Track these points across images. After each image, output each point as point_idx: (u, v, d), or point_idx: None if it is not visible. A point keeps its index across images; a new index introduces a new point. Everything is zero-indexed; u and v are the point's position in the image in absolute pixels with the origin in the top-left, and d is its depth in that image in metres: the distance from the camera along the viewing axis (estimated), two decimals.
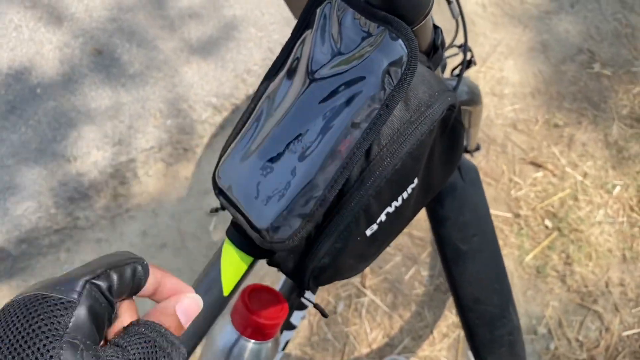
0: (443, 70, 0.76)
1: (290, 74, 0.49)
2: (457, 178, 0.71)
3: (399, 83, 0.44)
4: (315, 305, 0.54)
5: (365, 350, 1.34)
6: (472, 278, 0.73)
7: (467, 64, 0.76)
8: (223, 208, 0.54)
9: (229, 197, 0.50)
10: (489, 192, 1.48)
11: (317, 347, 1.34)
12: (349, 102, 0.45)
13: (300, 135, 0.47)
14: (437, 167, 0.55)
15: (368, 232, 0.51)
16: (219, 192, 0.51)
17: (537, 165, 1.52)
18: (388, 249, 1.42)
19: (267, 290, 0.69)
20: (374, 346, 1.35)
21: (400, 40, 0.44)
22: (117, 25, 1.45)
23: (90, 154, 1.35)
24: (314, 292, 0.73)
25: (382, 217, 0.51)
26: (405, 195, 0.51)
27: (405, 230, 1.46)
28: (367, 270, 1.40)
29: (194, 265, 1.35)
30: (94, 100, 1.38)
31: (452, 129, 0.53)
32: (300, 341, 1.34)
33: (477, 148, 1.08)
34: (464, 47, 0.67)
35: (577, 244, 1.45)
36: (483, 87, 1.58)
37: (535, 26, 1.66)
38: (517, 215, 1.47)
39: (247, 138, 0.50)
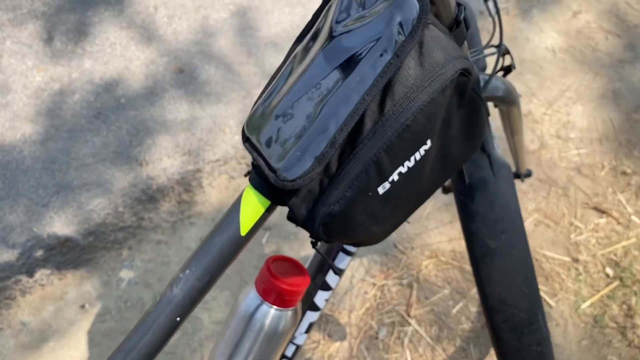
0: (483, 70, 0.79)
1: (316, 35, 0.54)
2: (488, 173, 0.71)
3: (410, 34, 0.48)
4: (326, 258, 0.57)
5: None
6: (499, 277, 0.72)
7: (507, 68, 0.79)
8: (254, 167, 0.58)
9: (254, 143, 0.54)
10: (548, 235, 1.44)
11: None
12: (364, 53, 0.49)
13: (318, 84, 0.51)
14: (456, 139, 0.57)
15: (380, 190, 0.53)
16: (246, 140, 0.55)
17: (601, 211, 1.46)
18: (437, 281, 1.40)
19: (291, 261, 0.72)
20: None
21: None
22: (199, 49, 1.58)
23: (162, 160, 1.45)
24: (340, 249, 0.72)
25: (395, 177, 0.53)
26: (417, 156, 0.53)
27: (456, 264, 1.44)
28: (413, 299, 1.39)
29: (244, 274, 1.39)
30: (170, 113, 1.50)
31: (470, 102, 0.55)
32: None
33: (529, 174, 1.08)
34: (499, 46, 0.69)
35: None
36: (548, 129, 1.57)
37: (607, 74, 1.63)
38: (576, 260, 1.41)
39: (274, 92, 0.55)
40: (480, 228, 0.71)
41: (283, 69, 0.55)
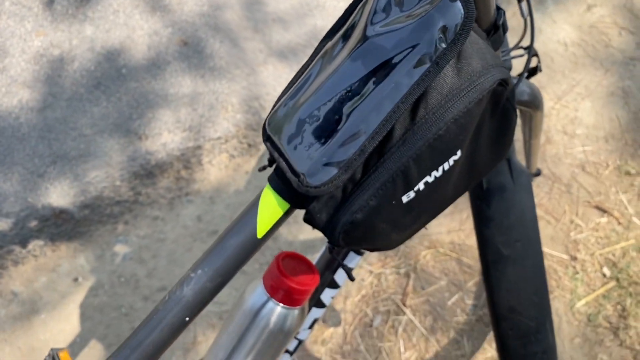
0: (508, 72, 0.76)
1: (348, 32, 0.51)
2: (507, 179, 0.70)
3: (452, 42, 0.45)
4: (343, 266, 0.55)
5: None
6: (510, 285, 0.71)
7: (533, 69, 0.76)
8: (271, 164, 0.55)
9: (275, 143, 0.52)
10: (547, 231, 1.43)
11: (348, 357, 1.32)
12: (400, 58, 0.47)
13: (350, 87, 0.48)
14: (484, 148, 0.55)
15: (404, 199, 0.51)
16: (267, 138, 0.53)
17: (602, 211, 1.46)
18: (434, 272, 1.40)
19: (301, 258, 0.70)
20: None
21: (458, 2, 0.45)
22: (205, 21, 1.53)
23: (161, 135, 1.42)
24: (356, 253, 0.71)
25: (421, 186, 0.51)
26: (446, 166, 0.51)
27: (454, 255, 1.44)
28: (409, 288, 1.38)
29: None
30: (172, 87, 1.46)
31: (503, 111, 0.53)
32: (332, 347, 1.32)
33: (538, 173, 1.06)
34: (530, 49, 0.67)
35: (635, 298, 1.37)
36: (555, 124, 1.55)
37: (618, 71, 1.61)
38: (574, 258, 1.41)
39: (299, 90, 0.52)
40: (495, 235, 0.70)
41: (310, 67, 0.52)
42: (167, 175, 1.42)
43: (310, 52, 1.52)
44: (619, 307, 1.37)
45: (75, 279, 1.35)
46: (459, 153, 0.51)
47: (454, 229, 1.44)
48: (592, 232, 1.43)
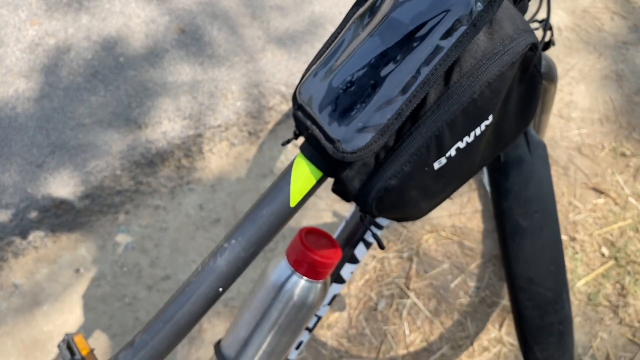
0: None
1: None
2: (524, 152, 0.71)
3: (489, 3, 0.46)
4: (374, 235, 0.55)
5: (402, 351, 1.33)
6: (528, 256, 0.72)
7: (547, 43, 0.77)
8: (296, 136, 0.56)
9: (308, 111, 0.52)
10: None
11: (354, 341, 1.33)
12: (436, 21, 0.47)
13: (385, 52, 0.49)
14: (511, 115, 0.56)
15: (436, 165, 0.52)
16: (298, 107, 0.53)
17: (599, 192, 1.48)
18: (436, 255, 1.41)
19: (323, 234, 0.71)
20: (411, 349, 1.33)
21: None
22: (202, 8, 1.52)
23: (161, 123, 1.41)
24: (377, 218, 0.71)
25: (452, 152, 0.52)
26: (478, 131, 0.52)
27: (456, 238, 1.45)
28: (412, 272, 1.39)
29: None
30: (171, 75, 1.45)
31: (530, 77, 0.54)
32: (338, 332, 1.33)
33: None
34: (546, 22, 0.68)
35: (634, 277, 1.40)
36: None
37: (611, 55, 1.64)
38: (573, 239, 1.44)
39: (331, 57, 0.52)
40: (513, 207, 0.71)
41: (342, 34, 0.52)
42: (168, 164, 1.41)
43: (309, 38, 1.52)
44: (618, 285, 1.39)
45: (77, 270, 1.34)
46: (490, 118, 0.51)
47: (455, 212, 1.46)
48: (590, 213, 1.46)
